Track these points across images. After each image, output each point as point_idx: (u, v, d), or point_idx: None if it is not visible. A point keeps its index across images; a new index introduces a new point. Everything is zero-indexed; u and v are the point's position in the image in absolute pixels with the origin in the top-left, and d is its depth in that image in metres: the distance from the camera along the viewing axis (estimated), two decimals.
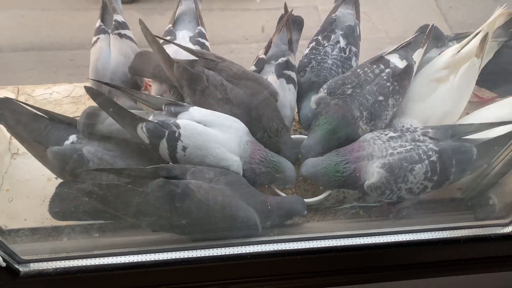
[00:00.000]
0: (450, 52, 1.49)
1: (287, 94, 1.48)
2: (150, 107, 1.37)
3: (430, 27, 1.53)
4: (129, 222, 1.21)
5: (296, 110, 1.57)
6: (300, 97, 1.55)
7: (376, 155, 1.26)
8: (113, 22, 1.58)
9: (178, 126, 1.25)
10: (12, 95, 1.73)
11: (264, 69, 1.52)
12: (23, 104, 1.32)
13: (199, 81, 1.38)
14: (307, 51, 1.61)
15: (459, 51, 1.47)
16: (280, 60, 1.51)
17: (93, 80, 1.48)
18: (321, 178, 1.32)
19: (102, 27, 1.59)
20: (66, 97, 1.75)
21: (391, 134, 1.30)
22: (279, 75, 1.49)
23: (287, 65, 1.50)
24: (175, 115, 1.29)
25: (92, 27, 1.64)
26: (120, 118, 1.26)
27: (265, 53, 1.54)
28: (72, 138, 1.29)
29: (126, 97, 1.44)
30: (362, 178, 1.27)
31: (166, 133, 1.23)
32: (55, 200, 1.25)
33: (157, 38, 1.44)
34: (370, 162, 1.26)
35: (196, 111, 1.30)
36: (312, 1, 3.89)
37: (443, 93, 1.44)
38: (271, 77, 1.48)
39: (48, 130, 1.30)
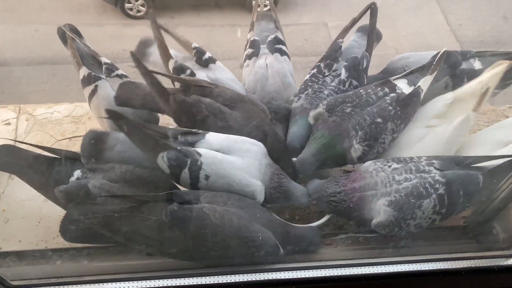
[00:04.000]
0: (443, 100, 1.43)
1: (284, 65, 1.61)
2: None
3: (441, 53, 1.45)
4: (121, 248, 1.20)
5: None
6: (290, 122, 1.54)
7: (380, 190, 1.21)
8: (104, 66, 1.52)
9: (199, 155, 1.22)
10: (13, 114, 1.75)
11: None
12: (23, 148, 1.31)
13: (197, 111, 1.35)
14: (307, 77, 1.59)
15: (452, 101, 1.41)
16: (270, 38, 1.62)
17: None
18: (319, 205, 1.31)
19: (93, 74, 1.51)
20: (66, 117, 1.76)
21: (395, 165, 1.25)
22: (272, 50, 1.62)
23: (277, 40, 1.61)
24: (192, 144, 1.26)
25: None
26: (142, 144, 1.25)
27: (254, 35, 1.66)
28: (77, 173, 1.26)
29: None
30: (364, 212, 1.23)
31: (188, 162, 1.21)
32: (66, 223, 1.21)
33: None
34: (375, 199, 1.21)
35: (213, 138, 1.27)
36: (321, 17, 3.91)
37: (431, 141, 1.38)
38: (269, 58, 1.61)
39: (51, 169, 1.27)
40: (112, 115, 1.27)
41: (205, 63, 1.59)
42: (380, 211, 1.19)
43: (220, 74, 1.59)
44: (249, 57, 1.66)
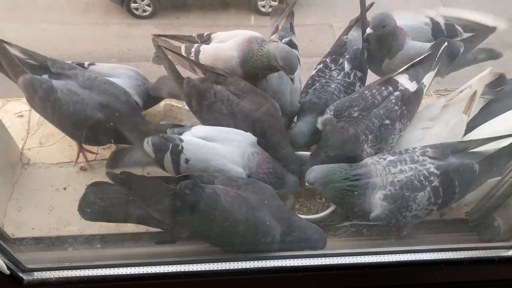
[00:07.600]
0: (438, 104, 1.48)
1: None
2: None
3: (442, 48, 1.47)
4: (131, 234, 1.23)
5: None
6: (298, 116, 1.58)
7: (378, 184, 1.24)
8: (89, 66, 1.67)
9: (181, 140, 1.31)
10: (26, 107, 1.78)
11: None
12: None
13: (207, 96, 1.42)
14: (314, 72, 1.63)
15: (445, 104, 1.46)
16: (284, 40, 1.64)
17: None
18: (327, 186, 1.30)
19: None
20: None
21: (390, 157, 1.28)
22: None
23: (291, 43, 1.63)
24: (179, 134, 1.35)
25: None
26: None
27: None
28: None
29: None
30: (364, 204, 1.26)
31: (170, 146, 1.29)
32: (85, 199, 1.24)
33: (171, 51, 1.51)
34: (373, 192, 1.24)
35: (198, 129, 1.36)
36: (327, 18, 3.91)
37: (430, 142, 1.39)
38: None
39: None
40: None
41: (207, 38, 1.65)
42: (376, 204, 1.23)
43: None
44: None
